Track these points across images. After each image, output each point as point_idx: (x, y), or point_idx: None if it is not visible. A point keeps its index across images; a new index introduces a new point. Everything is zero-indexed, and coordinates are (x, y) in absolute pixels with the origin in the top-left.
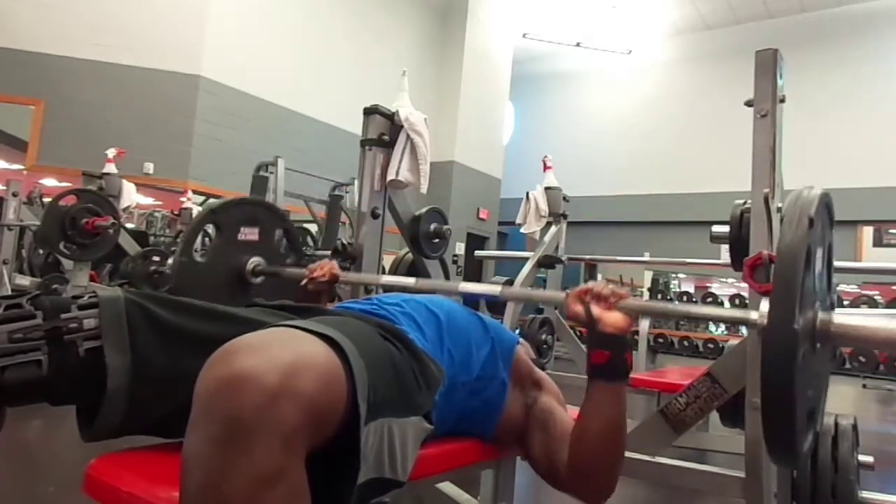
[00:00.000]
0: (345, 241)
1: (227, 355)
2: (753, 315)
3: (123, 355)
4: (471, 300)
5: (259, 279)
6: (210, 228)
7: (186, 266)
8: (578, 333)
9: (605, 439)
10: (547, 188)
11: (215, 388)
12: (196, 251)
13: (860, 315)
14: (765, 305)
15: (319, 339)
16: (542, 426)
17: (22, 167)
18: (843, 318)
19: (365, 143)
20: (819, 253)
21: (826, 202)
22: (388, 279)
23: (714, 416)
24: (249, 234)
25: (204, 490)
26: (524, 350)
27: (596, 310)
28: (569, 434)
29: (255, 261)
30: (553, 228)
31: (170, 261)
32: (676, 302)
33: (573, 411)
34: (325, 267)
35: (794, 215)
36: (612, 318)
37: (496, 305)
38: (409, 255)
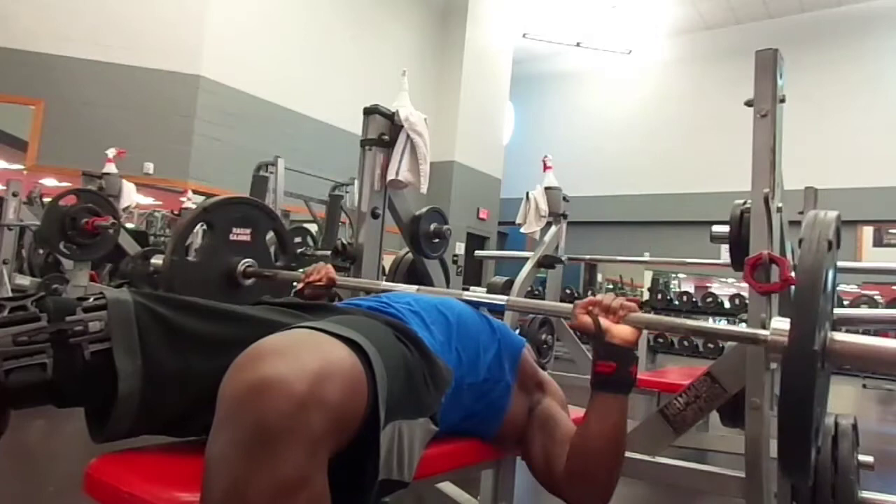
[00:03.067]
0: (345, 241)
1: (254, 359)
2: (763, 333)
3: (134, 358)
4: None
5: (250, 281)
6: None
7: (177, 265)
8: (578, 334)
9: (604, 448)
10: (547, 188)
11: (242, 392)
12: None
13: (859, 336)
14: (777, 323)
15: (343, 342)
16: (542, 429)
17: (22, 167)
18: (845, 336)
19: (365, 143)
20: (831, 275)
21: (839, 225)
22: (387, 285)
23: (714, 416)
24: (241, 234)
25: (227, 494)
26: (529, 352)
27: (604, 322)
28: (569, 439)
29: (246, 262)
30: (553, 228)
31: (156, 260)
32: (684, 318)
33: (575, 412)
34: (322, 271)
35: (813, 238)
36: (621, 331)
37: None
38: (409, 254)
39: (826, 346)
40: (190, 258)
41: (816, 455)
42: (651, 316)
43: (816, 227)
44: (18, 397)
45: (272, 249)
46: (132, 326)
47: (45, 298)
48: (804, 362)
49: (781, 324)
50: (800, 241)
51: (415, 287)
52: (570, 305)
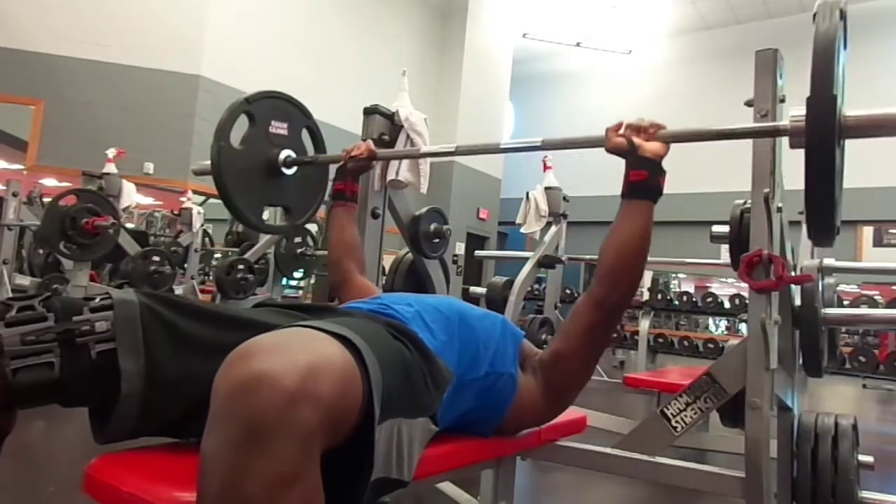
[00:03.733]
0: None
1: (245, 356)
2: (783, 124)
3: (137, 359)
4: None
5: (293, 169)
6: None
7: (225, 150)
8: None
9: (635, 245)
10: (547, 188)
11: (234, 388)
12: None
13: (874, 110)
14: (794, 110)
15: (336, 339)
16: (553, 344)
17: (22, 167)
18: (858, 111)
19: None
20: (843, 49)
21: (846, 13)
22: (429, 148)
23: (714, 416)
24: (279, 128)
25: (222, 491)
26: (528, 341)
27: (637, 139)
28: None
29: (287, 152)
30: (553, 228)
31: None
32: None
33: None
34: (363, 146)
35: (825, 9)
36: (652, 146)
37: (496, 305)
38: (409, 255)
39: (841, 122)
40: (236, 146)
41: (812, 451)
42: (677, 129)
43: (828, 3)
44: (26, 396)
45: None
46: (137, 327)
47: (52, 298)
48: (826, 109)
49: (797, 109)
50: (813, 17)
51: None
52: (601, 135)
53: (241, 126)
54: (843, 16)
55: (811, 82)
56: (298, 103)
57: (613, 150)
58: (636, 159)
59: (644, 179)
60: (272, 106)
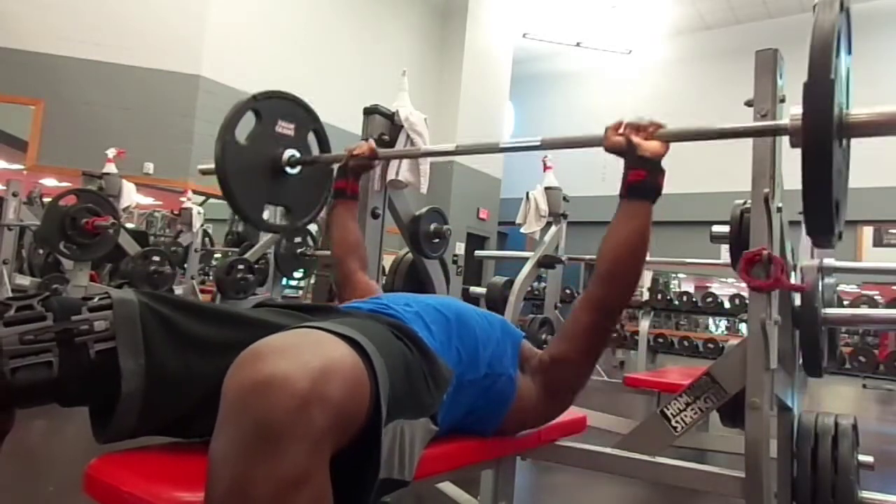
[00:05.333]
0: None
1: (255, 358)
2: (783, 123)
3: (137, 358)
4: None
5: (296, 169)
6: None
7: (229, 146)
8: None
9: (633, 245)
10: (547, 188)
11: (244, 391)
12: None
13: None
14: (795, 109)
15: (344, 341)
16: (551, 348)
17: (22, 167)
18: (860, 108)
19: None
20: (844, 45)
21: (848, 7)
22: (428, 147)
23: (714, 416)
24: (286, 128)
25: (231, 492)
26: (527, 342)
27: (635, 138)
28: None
29: (291, 152)
30: (553, 228)
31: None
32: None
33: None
34: (365, 146)
35: (825, 1)
36: (650, 145)
37: (496, 305)
38: (409, 255)
39: (843, 120)
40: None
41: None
42: (677, 128)
43: None
44: (24, 396)
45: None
46: (137, 326)
47: (51, 298)
48: (823, 96)
49: (798, 108)
50: (813, 8)
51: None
52: (600, 134)
53: (248, 124)
54: (843, 8)
55: (808, 71)
56: (306, 105)
57: (612, 149)
58: (635, 159)
59: (643, 179)
60: (280, 106)
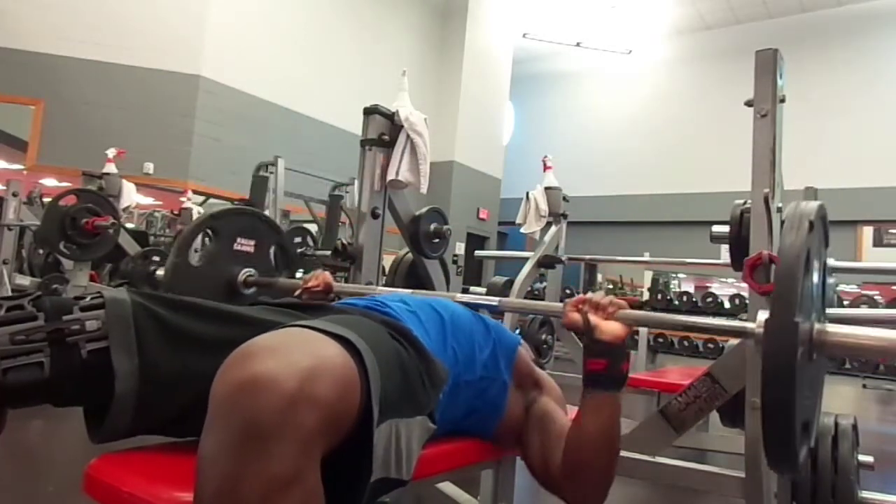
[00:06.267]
0: (345, 241)
1: (244, 357)
2: (751, 325)
3: (131, 358)
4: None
5: (251, 290)
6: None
7: (180, 267)
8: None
9: (598, 444)
10: (547, 188)
11: (233, 390)
12: (196, 251)
13: (853, 326)
14: (762, 314)
15: (335, 340)
16: (539, 427)
17: (22, 167)
18: (838, 328)
19: (365, 143)
20: (816, 263)
21: (823, 214)
22: (383, 290)
23: (714, 416)
24: (245, 245)
25: (219, 493)
26: (525, 351)
27: (594, 318)
28: (565, 436)
29: (247, 271)
30: (553, 228)
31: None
32: (675, 314)
33: (573, 411)
34: (320, 278)
35: (794, 220)
36: (610, 327)
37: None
38: (409, 255)
39: (814, 336)
40: (193, 262)
41: (811, 451)
42: (641, 312)
43: (797, 212)
44: (16, 396)
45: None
46: (129, 325)
47: (42, 297)
48: (784, 329)
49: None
50: (781, 223)
51: (408, 291)
52: (561, 304)
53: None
54: (812, 228)
55: (770, 308)
56: (271, 221)
57: (569, 327)
58: (593, 342)
59: (603, 370)
60: (239, 222)
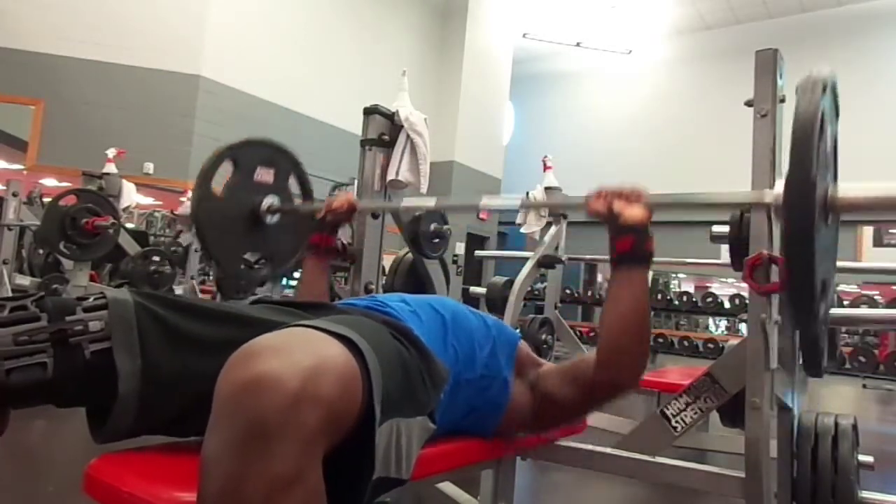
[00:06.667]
0: (345, 241)
1: (247, 357)
2: (769, 193)
3: (133, 358)
4: (470, 299)
5: (275, 218)
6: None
7: (204, 200)
8: (578, 333)
9: (631, 319)
10: (547, 188)
11: (236, 390)
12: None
13: (864, 183)
14: (779, 185)
15: (337, 340)
16: (553, 378)
17: (22, 167)
18: (850, 187)
19: (365, 143)
20: (829, 129)
21: (834, 83)
22: (409, 201)
23: (714, 416)
24: (265, 175)
25: (223, 492)
26: (525, 347)
27: (617, 205)
28: (582, 361)
29: (269, 200)
30: (553, 228)
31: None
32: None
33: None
34: (343, 198)
35: (808, 84)
36: (633, 211)
37: (496, 305)
38: (409, 255)
39: (827, 197)
40: (216, 194)
41: (811, 451)
42: (659, 194)
43: (811, 77)
44: (19, 397)
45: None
46: (132, 326)
47: (45, 298)
48: (804, 187)
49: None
50: (795, 90)
51: (433, 200)
52: (584, 196)
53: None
54: (825, 90)
55: (789, 166)
56: (286, 150)
57: (594, 215)
58: (618, 227)
59: (630, 248)
60: (258, 152)
